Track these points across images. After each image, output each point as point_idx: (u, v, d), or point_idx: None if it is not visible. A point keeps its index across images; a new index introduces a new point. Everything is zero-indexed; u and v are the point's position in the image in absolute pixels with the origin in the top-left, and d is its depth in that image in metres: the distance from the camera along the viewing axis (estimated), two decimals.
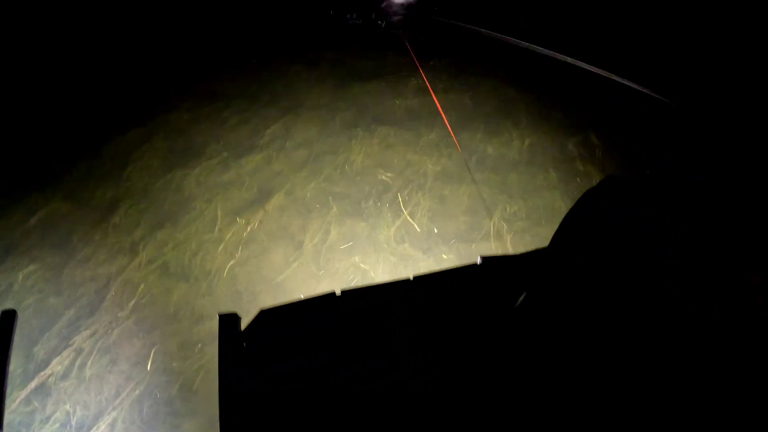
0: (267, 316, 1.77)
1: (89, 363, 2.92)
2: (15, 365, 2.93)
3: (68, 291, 3.26)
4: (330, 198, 3.61)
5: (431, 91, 4.41)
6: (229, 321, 1.76)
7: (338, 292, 1.77)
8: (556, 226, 3.30)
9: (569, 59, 4.47)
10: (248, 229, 3.47)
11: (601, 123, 4.04)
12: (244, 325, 1.75)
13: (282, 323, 1.74)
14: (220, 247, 3.39)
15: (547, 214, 3.43)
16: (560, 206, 3.47)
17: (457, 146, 3.91)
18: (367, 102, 4.35)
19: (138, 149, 4.13)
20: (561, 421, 1.47)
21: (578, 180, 3.65)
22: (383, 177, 3.73)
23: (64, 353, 2.94)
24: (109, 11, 5.60)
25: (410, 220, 3.47)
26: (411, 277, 1.79)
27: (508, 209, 3.49)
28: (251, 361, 1.62)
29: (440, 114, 4.19)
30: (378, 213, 3.52)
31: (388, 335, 1.64)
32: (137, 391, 2.81)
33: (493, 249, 3.18)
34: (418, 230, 3.41)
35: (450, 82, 4.57)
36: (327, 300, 1.77)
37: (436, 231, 3.38)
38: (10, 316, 2.02)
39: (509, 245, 3.24)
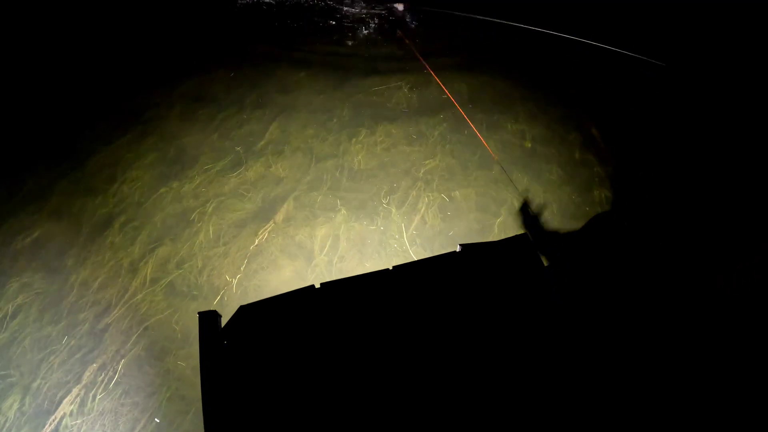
0: (247, 312, 1.66)
1: (100, 398, 2.70)
2: (20, 403, 2.69)
3: (67, 319, 3.01)
4: (338, 202, 3.41)
5: (438, 81, 4.21)
6: (208, 318, 1.65)
7: (317, 285, 1.68)
8: (566, 222, 3.23)
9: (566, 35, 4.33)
10: (255, 241, 3.25)
11: (600, 113, 3.92)
12: (224, 322, 1.67)
13: (263, 319, 1.65)
14: (227, 262, 3.17)
15: (558, 209, 3.32)
16: (571, 201, 3.37)
17: (483, 142, 3.75)
18: (364, 99, 4.13)
19: (126, 160, 3.84)
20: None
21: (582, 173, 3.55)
22: (388, 177, 3.54)
23: (74, 390, 2.71)
24: (87, 16, 5.18)
25: (420, 221, 3.31)
26: (390, 267, 1.71)
27: (516, 204, 3.36)
28: (233, 359, 1.58)
29: (443, 108, 4.01)
30: (387, 215, 3.35)
31: (369, 326, 1.62)
32: (153, 424, 2.61)
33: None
34: (430, 231, 3.26)
35: (452, 72, 4.38)
36: (306, 293, 1.69)
37: (450, 233, 3.23)
38: None
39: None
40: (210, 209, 3.44)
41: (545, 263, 2.80)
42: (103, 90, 4.46)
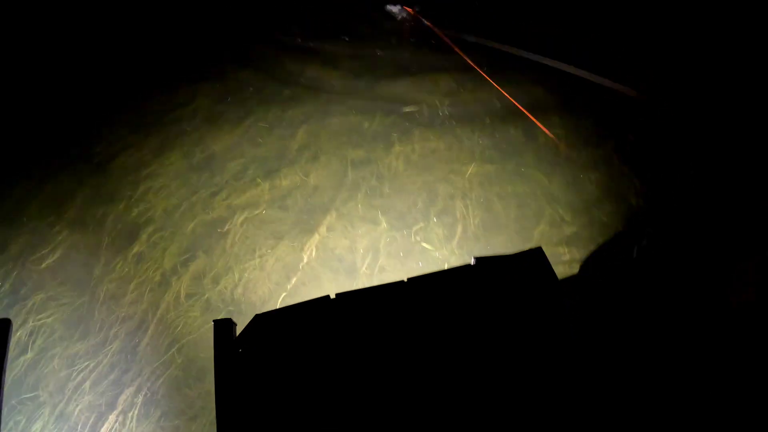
0: (262, 320, 1.65)
1: (137, 423, 2.48)
2: (52, 426, 2.47)
3: (95, 336, 2.79)
4: (378, 213, 3.22)
5: (486, 77, 4.04)
6: (223, 326, 1.67)
7: (332, 296, 1.68)
8: (602, 232, 3.09)
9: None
10: (293, 254, 3.05)
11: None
12: (239, 331, 1.67)
13: (278, 328, 1.67)
14: (263, 276, 2.97)
15: (593, 222, 3.17)
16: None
17: (557, 143, 3.61)
18: (397, 101, 3.93)
19: (149, 165, 3.60)
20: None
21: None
22: (426, 185, 3.37)
23: (110, 417, 2.49)
24: (103, 14, 4.90)
25: (462, 232, 3.14)
26: (405, 279, 1.73)
27: (556, 216, 3.20)
28: (247, 367, 1.58)
29: (482, 110, 3.84)
30: (427, 226, 3.17)
31: (382, 338, 1.62)
32: None
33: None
34: (472, 243, 3.09)
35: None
36: (322, 303, 1.69)
37: (489, 246, 3.07)
38: (4, 325, 1.76)
39: (566, 254, 2.99)
40: (243, 219, 3.23)
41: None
42: (121, 91, 4.21)
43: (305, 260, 3.03)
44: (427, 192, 3.32)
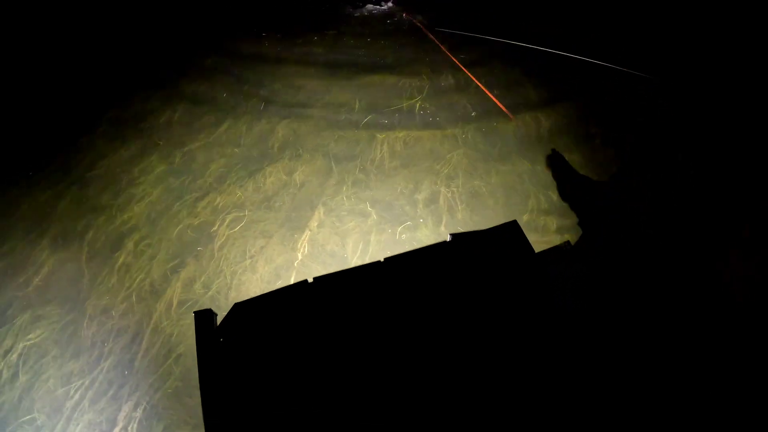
0: (242, 309, 1.65)
1: None
2: None
3: (89, 352, 2.71)
4: (367, 205, 3.17)
5: (464, 69, 3.99)
6: (204, 317, 1.64)
7: (310, 280, 1.67)
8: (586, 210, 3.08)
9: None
10: (284, 253, 2.99)
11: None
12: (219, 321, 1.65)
13: (258, 315, 1.65)
14: (256, 278, 2.91)
15: (578, 204, 3.16)
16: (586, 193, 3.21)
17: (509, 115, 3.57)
18: (376, 95, 3.87)
19: (130, 173, 3.50)
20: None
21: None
22: (412, 175, 3.33)
23: None
24: (77, 23, 4.72)
25: (449, 218, 3.10)
26: (382, 259, 1.71)
27: (543, 199, 3.18)
28: (229, 356, 1.56)
29: (462, 98, 3.79)
30: (415, 215, 3.13)
31: (362, 318, 1.61)
32: None
33: (540, 240, 2.91)
34: (461, 228, 3.05)
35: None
36: (300, 288, 1.68)
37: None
38: None
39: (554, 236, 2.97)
40: (230, 221, 3.16)
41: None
42: (94, 100, 4.07)
43: (297, 257, 2.97)
44: (413, 182, 3.27)
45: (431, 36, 4.40)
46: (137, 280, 2.96)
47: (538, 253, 1.89)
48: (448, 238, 1.78)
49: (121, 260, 3.06)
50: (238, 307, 1.64)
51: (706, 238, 2.77)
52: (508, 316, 1.59)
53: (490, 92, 3.85)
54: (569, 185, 3.24)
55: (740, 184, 3.01)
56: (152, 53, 4.49)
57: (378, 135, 3.54)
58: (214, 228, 3.12)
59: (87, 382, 2.58)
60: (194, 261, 2.99)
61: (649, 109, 3.63)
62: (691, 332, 2.37)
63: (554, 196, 3.17)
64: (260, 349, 1.57)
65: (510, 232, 1.77)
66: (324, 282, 1.68)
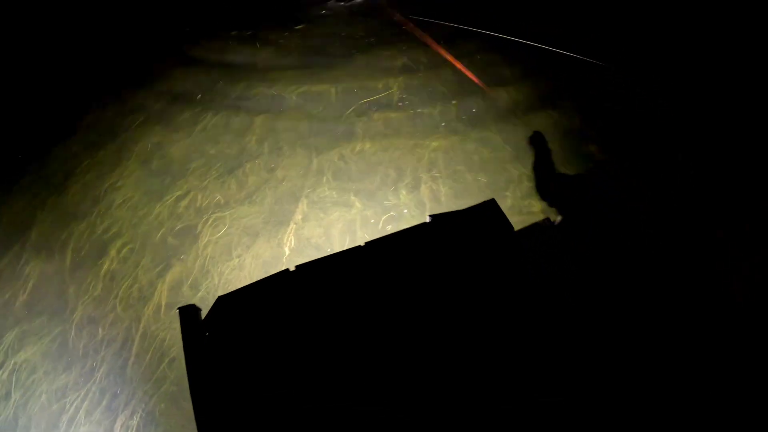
0: (226, 301, 1.65)
1: None
2: None
3: (80, 364, 2.68)
4: (350, 195, 3.14)
5: (439, 50, 3.93)
6: (188, 313, 1.64)
7: (292, 268, 1.68)
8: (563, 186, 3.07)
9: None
10: (270, 249, 2.96)
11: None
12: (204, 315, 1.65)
13: (242, 306, 1.65)
14: (244, 275, 2.88)
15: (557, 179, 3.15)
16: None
17: (483, 87, 3.53)
18: (352, 84, 3.82)
19: (108, 178, 3.44)
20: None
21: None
22: (393, 162, 3.30)
23: None
24: (44, 28, 4.58)
25: (433, 203, 3.09)
26: (363, 243, 1.72)
27: (523, 177, 3.17)
28: (216, 349, 1.56)
29: (438, 82, 3.75)
30: (399, 201, 3.11)
31: (345, 303, 1.62)
32: None
33: (525, 221, 2.90)
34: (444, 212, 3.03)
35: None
36: (283, 277, 1.69)
37: None
38: None
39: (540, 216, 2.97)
40: (214, 220, 3.11)
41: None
42: (67, 104, 3.99)
43: (283, 252, 2.94)
44: (395, 169, 3.24)
45: (404, 21, 4.33)
46: (123, 286, 2.92)
47: (519, 230, 1.88)
48: (428, 219, 1.78)
49: (105, 267, 3.01)
50: (222, 300, 1.64)
51: (706, 238, 2.77)
52: (486, 292, 1.60)
53: (467, 71, 3.81)
54: (548, 170, 3.22)
55: (740, 184, 3.00)
56: (123, 56, 4.38)
57: (357, 124, 3.50)
58: (198, 229, 3.08)
59: (81, 395, 2.55)
60: (180, 263, 2.96)
61: (625, 98, 3.60)
62: (691, 332, 2.37)
63: (536, 178, 3.15)
64: (246, 340, 1.57)
65: (489, 210, 1.77)
66: (306, 269, 1.68)
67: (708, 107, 3.47)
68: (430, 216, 1.78)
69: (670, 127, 3.40)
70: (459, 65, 3.85)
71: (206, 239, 3.03)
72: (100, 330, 2.77)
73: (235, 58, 4.25)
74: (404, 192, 3.13)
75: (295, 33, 4.45)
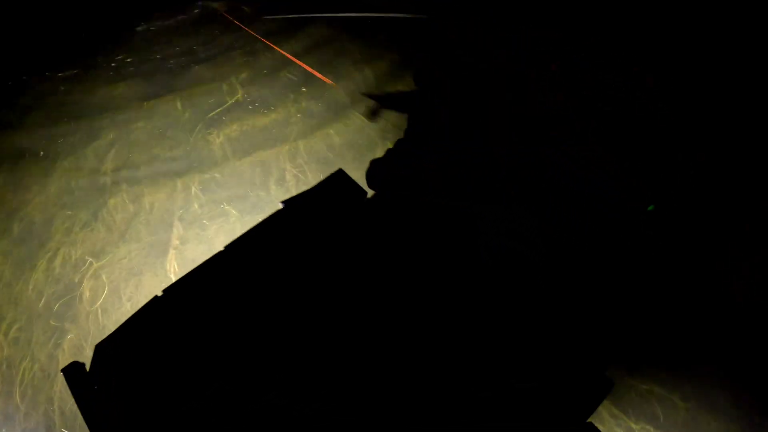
0: (104, 347, 1.75)
1: None
2: None
3: None
4: (223, 205, 3.09)
5: (276, 47, 3.81)
6: (72, 372, 1.74)
7: (159, 293, 1.79)
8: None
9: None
10: (159, 281, 2.90)
11: None
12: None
13: (122, 346, 1.74)
14: None
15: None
16: None
17: (327, 82, 3.49)
18: (197, 93, 3.67)
19: None
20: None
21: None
22: (256, 159, 3.25)
23: None
24: None
25: (308, 186, 3.09)
26: (222, 248, 1.91)
27: (387, 142, 3.22)
28: (109, 394, 1.62)
29: (281, 70, 3.66)
30: (270, 198, 3.09)
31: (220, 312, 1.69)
32: None
33: None
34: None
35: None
36: (152, 306, 1.81)
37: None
38: None
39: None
40: (94, 271, 3.00)
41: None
42: None
43: (173, 279, 2.89)
44: (260, 167, 3.20)
45: (240, 24, 4.17)
46: (25, 371, 2.80)
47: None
48: (281, 206, 1.79)
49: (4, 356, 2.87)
50: (99, 347, 1.64)
51: (706, 238, 2.77)
52: (349, 247, 1.69)
53: (310, 65, 3.75)
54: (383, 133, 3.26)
55: (740, 184, 3.02)
56: None
57: (211, 135, 3.40)
58: (81, 285, 2.97)
59: None
60: (73, 326, 2.85)
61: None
62: (691, 332, 2.37)
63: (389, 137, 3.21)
64: (138, 373, 1.60)
65: (338, 179, 1.81)
66: (171, 291, 1.69)
67: (708, 107, 3.56)
68: (282, 202, 1.78)
69: (669, 127, 3.48)
70: (296, 60, 3.79)
71: (91, 293, 2.93)
72: (17, 427, 2.67)
73: (71, 93, 3.96)
74: (274, 187, 3.11)
75: (131, 54, 4.18)
